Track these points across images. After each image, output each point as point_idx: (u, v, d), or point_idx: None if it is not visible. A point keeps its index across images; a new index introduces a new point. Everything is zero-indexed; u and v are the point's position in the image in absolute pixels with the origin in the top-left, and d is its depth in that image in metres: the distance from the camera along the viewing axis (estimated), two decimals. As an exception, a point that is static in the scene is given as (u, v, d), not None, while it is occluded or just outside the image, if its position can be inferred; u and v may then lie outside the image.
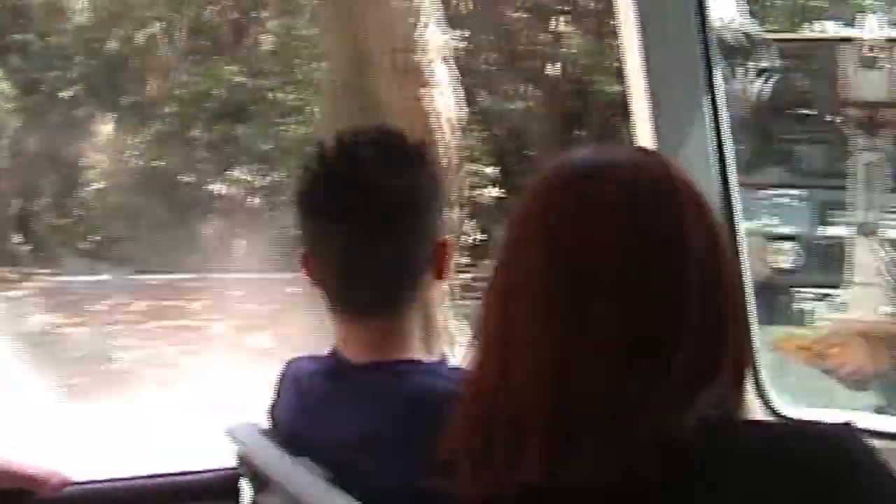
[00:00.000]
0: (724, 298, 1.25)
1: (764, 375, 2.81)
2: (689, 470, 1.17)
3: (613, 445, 1.17)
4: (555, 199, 1.27)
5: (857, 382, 5.74)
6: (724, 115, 2.58)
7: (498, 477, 1.20)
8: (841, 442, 1.20)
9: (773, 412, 2.74)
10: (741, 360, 1.27)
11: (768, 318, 5.47)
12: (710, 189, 2.53)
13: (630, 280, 1.21)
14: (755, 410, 2.74)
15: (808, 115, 6.73)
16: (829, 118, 6.53)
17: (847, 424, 1.23)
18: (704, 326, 1.21)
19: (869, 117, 6.12)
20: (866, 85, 6.15)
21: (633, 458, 1.16)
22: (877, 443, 2.55)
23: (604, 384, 1.19)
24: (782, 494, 1.15)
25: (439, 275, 1.80)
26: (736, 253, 2.65)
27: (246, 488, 1.97)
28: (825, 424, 1.24)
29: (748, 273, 2.70)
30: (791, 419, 2.71)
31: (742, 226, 2.64)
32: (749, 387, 2.72)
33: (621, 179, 1.26)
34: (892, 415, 6.00)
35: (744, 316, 1.30)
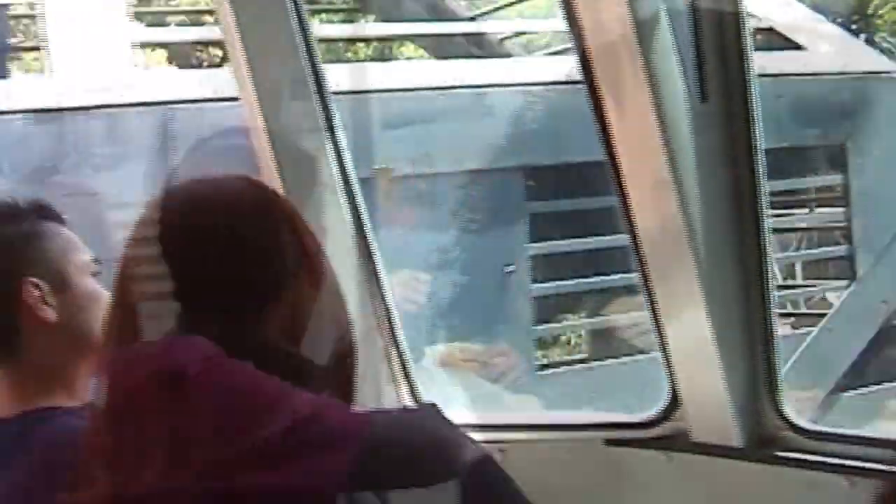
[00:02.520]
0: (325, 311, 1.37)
1: (422, 390, 2.96)
2: None
3: None
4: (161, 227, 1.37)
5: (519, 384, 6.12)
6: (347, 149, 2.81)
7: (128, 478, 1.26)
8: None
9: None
10: (346, 373, 1.38)
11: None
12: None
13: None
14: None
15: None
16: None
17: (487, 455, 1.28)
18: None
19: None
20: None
21: None
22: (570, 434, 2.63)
23: None
24: None
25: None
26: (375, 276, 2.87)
27: None
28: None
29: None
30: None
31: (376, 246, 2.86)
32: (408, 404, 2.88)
33: (218, 207, 1.38)
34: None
35: (347, 327, 1.40)
